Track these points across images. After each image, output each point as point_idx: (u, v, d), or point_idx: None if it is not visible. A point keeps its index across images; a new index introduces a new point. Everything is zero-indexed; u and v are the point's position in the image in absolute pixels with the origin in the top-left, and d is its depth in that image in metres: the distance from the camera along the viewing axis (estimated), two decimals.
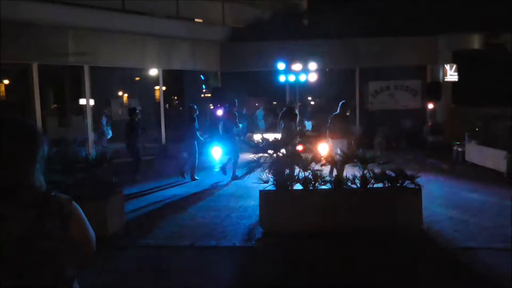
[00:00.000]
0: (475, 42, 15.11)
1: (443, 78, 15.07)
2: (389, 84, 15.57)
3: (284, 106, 12.58)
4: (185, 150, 10.16)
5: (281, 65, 13.21)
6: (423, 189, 6.07)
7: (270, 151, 6.42)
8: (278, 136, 9.64)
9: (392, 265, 4.93)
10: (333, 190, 6.09)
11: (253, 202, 7.25)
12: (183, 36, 14.37)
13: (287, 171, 6.26)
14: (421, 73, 15.63)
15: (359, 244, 5.55)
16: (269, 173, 6.16)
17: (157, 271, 4.89)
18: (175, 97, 18.43)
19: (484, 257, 5.11)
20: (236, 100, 10.75)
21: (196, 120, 10.10)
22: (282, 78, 13.42)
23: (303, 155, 6.72)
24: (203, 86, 17.53)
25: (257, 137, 12.63)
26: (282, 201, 6.08)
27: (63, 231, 1.63)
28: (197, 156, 9.99)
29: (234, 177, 9.86)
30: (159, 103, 14.55)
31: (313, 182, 6.06)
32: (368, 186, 6.04)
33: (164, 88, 14.76)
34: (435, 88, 14.56)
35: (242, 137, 10.59)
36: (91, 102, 13.01)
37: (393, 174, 6.03)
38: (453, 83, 15.05)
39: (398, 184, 6.00)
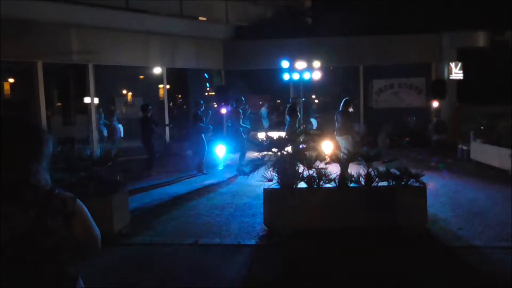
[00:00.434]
0: (480, 39, 15.01)
1: (448, 76, 14.96)
2: (394, 82, 15.51)
3: (287, 103, 12.51)
4: (193, 146, 10.31)
5: (285, 63, 13.20)
6: (428, 187, 6.05)
7: (274, 149, 6.40)
8: (283, 134, 9.57)
9: (397, 263, 4.92)
10: (337, 188, 6.08)
11: (257, 200, 7.28)
12: (186, 34, 14.39)
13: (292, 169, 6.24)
14: (425, 71, 15.55)
15: (364, 242, 5.54)
16: (273, 171, 6.15)
17: (161, 269, 4.90)
18: (179, 96, 18.45)
19: (489, 256, 5.09)
20: (243, 98, 10.75)
21: (203, 116, 10.30)
22: (286, 76, 13.40)
23: (307, 153, 6.70)
24: (207, 85, 17.54)
25: (261, 135, 12.59)
26: (286, 199, 6.07)
27: (66, 229, 1.63)
28: (206, 149, 10.20)
29: (240, 170, 9.74)
30: (163, 101, 14.58)
31: (317, 180, 6.05)
32: (373, 185, 6.03)
33: (168, 86, 14.78)
34: (440, 86, 14.47)
35: (246, 136, 10.57)
36: (96, 100, 13.06)
37: (397, 173, 6.02)
38: (458, 81, 14.96)
39: (403, 183, 5.98)
